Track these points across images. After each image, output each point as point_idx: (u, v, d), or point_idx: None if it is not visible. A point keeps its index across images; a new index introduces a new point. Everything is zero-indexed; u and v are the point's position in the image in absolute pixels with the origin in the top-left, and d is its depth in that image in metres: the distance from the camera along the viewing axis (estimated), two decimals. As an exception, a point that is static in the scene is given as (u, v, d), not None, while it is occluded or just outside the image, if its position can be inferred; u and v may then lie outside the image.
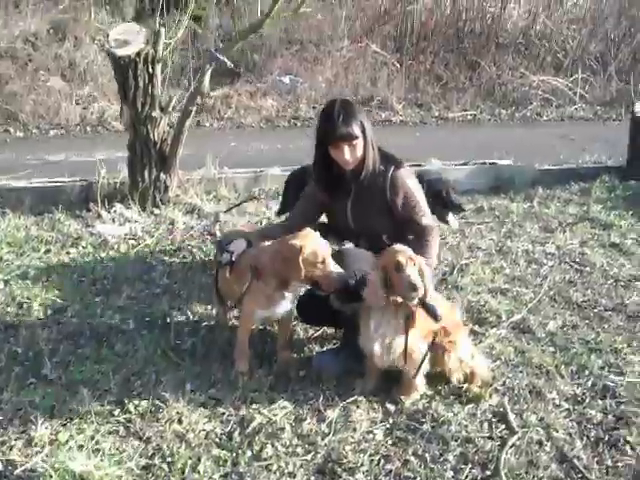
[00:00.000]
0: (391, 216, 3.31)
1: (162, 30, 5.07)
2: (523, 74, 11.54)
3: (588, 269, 4.54)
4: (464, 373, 3.15)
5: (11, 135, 9.45)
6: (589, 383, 3.26)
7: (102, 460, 2.65)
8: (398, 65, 11.33)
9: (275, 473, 2.67)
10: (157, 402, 3.05)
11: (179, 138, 5.19)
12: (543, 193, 6.15)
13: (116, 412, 3.00)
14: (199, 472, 2.66)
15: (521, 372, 3.35)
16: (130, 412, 3.01)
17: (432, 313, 2.85)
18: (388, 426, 2.97)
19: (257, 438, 2.86)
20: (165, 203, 5.41)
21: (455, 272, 4.49)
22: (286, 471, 2.68)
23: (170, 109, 5.17)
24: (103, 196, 5.43)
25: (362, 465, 2.70)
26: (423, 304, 2.86)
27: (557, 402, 3.12)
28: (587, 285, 4.31)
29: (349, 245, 3.39)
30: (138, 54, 4.99)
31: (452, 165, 6.48)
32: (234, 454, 2.76)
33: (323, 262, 2.99)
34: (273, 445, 2.83)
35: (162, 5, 5.82)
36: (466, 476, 2.64)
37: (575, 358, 3.46)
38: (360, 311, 3.04)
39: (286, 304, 3.24)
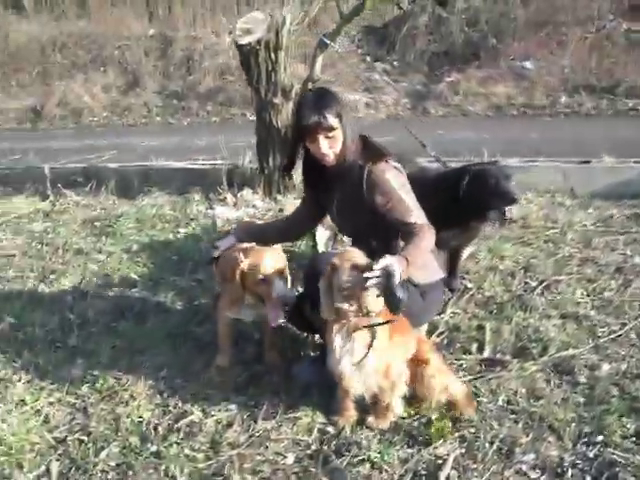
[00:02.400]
0: (376, 217, 2.90)
1: (287, 18, 5.09)
2: None
3: None
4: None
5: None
6: (591, 454, 2.54)
7: (26, 423, 2.91)
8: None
9: (157, 473, 2.64)
10: (122, 382, 3.22)
11: None
12: None
13: (83, 386, 3.23)
14: (100, 456, 2.74)
15: (510, 424, 2.75)
16: (95, 388, 3.20)
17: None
18: (309, 452, 2.68)
19: (175, 436, 2.81)
20: (290, 190, 5.47)
21: (539, 289, 3.78)
22: (169, 474, 2.58)
23: (293, 95, 5.18)
24: (238, 180, 5.67)
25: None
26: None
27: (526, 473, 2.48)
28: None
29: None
30: (259, 42, 5.08)
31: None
32: (144, 445, 2.79)
33: (265, 280, 2.82)
34: (180, 445, 2.75)
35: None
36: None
37: (600, 419, 2.72)
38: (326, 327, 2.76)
39: (250, 312, 3.13)
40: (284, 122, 5.35)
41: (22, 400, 3.12)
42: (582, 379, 3.01)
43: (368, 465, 2.55)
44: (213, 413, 2.97)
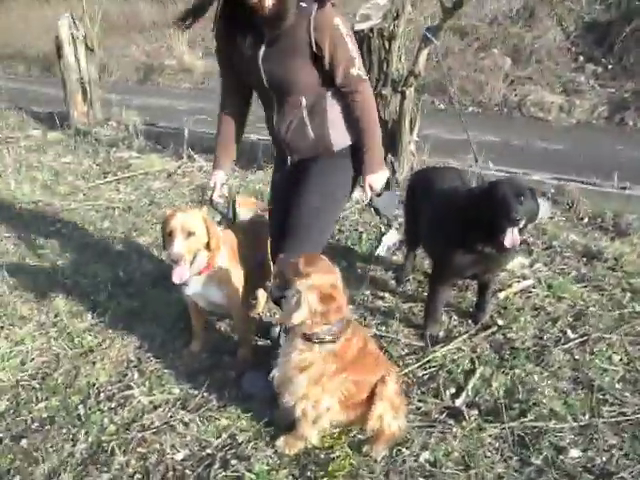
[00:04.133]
0: (311, 64, 2.65)
1: (407, 6, 4.92)
2: None
3: None
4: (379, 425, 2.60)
5: (434, 107, 10.07)
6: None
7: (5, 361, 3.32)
8: None
9: (67, 435, 2.84)
10: (105, 344, 3.49)
11: (400, 120, 5.02)
12: None
13: (77, 338, 3.54)
14: (38, 405, 3.04)
15: None
16: (81, 343, 3.50)
17: None
18: (203, 454, 2.72)
19: (107, 405, 3.00)
20: (391, 187, 5.31)
21: (573, 343, 3.35)
22: (75, 437, 2.78)
23: (403, 88, 5.01)
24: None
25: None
26: None
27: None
28: None
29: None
30: (372, 29, 4.98)
31: None
32: (77, 406, 3.02)
33: (170, 234, 2.84)
34: (103, 414, 2.95)
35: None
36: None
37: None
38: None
39: (192, 285, 3.07)
40: (392, 114, 5.16)
41: (22, 340, 3.45)
42: (537, 460, 2.57)
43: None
44: (154, 393, 3.04)
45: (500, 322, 3.57)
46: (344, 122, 2.82)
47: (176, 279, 2.84)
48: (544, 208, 4.80)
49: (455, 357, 3.28)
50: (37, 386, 3.15)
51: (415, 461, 2.59)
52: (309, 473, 2.53)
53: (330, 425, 2.63)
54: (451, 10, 4.34)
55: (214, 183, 3.02)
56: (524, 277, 4.01)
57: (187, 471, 2.58)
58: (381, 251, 4.43)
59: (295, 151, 2.88)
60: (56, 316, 3.73)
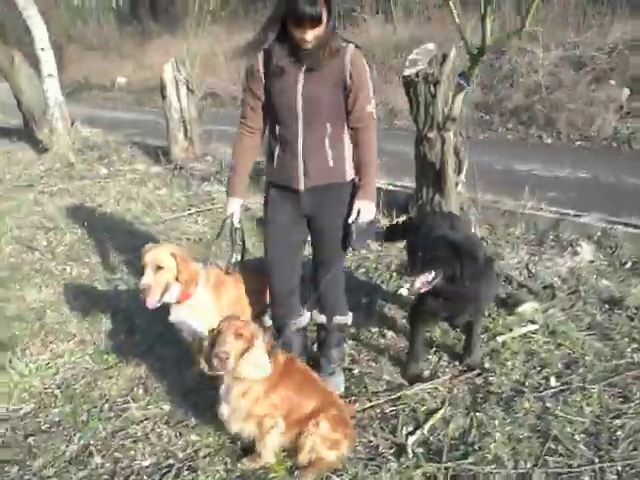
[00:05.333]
0: (341, 96, 3.09)
1: (452, 52, 5.16)
2: None
3: None
4: (311, 457, 2.90)
5: (540, 142, 10.01)
6: None
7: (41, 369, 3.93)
8: None
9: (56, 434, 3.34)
10: (130, 360, 3.99)
11: (444, 162, 5.24)
12: None
13: (112, 352, 4.10)
14: (48, 415, 3.58)
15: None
16: (112, 357, 4.06)
17: None
18: (165, 463, 3.11)
19: (102, 413, 3.50)
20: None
21: (554, 390, 3.42)
22: (64, 436, 3.31)
23: (441, 132, 5.23)
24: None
25: None
26: None
27: None
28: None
29: None
30: (417, 74, 5.27)
31: None
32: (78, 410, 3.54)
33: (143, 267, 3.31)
34: (91, 416, 3.43)
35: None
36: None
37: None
38: None
39: (173, 313, 3.52)
40: (437, 156, 5.36)
41: (62, 354, 4.10)
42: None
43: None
44: (149, 407, 3.52)
45: (486, 365, 3.64)
46: (351, 156, 3.21)
47: (147, 305, 3.30)
48: (585, 251, 4.77)
49: (426, 396, 3.42)
50: (58, 394, 3.68)
51: (332, 490, 2.79)
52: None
53: (280, 446, 2.94)
54: (477, 57, 4.49)
55: (232, 210, 3.39)
56: (532, 322, 4.04)
57: (145, 476, 2.97)
58: (404, 291, 4.61)
59: (311, 177, 3.16)
60: (97, 335, 4.27)
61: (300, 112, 3.05)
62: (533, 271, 4.68)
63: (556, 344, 3.80)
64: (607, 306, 4.19)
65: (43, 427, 3.42)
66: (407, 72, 5.35)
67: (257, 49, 3.10)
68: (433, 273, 3.14)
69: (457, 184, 5.46)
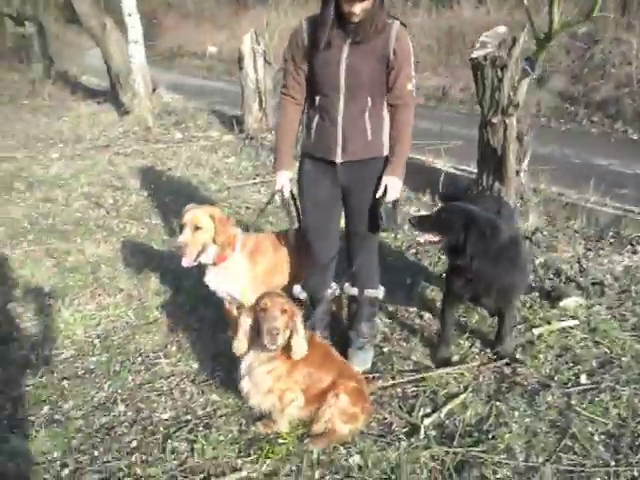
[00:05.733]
0: (383, 71, 3.11)
1: (521, 36, 5.05)
2: None
3: None
4: (326, 428, 2.96)
5: (626, 136, 9.73)
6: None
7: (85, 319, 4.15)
8: None
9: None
10: (170, 318, 4.17)
11: (505, 149, 5.15)
12: None
13: (155, 309, 4.30)
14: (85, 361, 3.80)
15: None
16: (153, 314, 4.24)
17: None
18: (182, 426, 3.25)
19: (133, 368, 3.68)
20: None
21: (581, 388, 3.34)
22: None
23: (504, 118, 5.13)
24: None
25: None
26: None
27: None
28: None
29: None
30: (485, 57, 5.18)
31: None
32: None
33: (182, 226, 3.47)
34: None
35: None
36: None
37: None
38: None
39: (209, 275, 3.61)
40: (499, 142, 5.25)
41: (107, 306, 4.29)
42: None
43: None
44: (178, 364, 3.67)
45: (518, 356, 3.59)
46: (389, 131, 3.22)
47: (183, 263, 3.39)
48: None
49: (450, 380, 3.40)
50: (97, 344, 3.88)
51: (345, 460, 2.84)
52: (250, 450, 2.91)
53: (297, 419, 3.02)
54: (543, 42, 4.36)
55: (282, 183, 3.39)
56: (574, 317, 3.93)
57: (161, 427, 3.10)
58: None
59: (350, 150, 3.19)
60: (144, 292, 4.44)
61: (343, 84, 3.07)
62: (585, 266, 4.52)
63: (594, 342, 3.69)
64: (658, 308, 4.00)
65: (79, 373, 3.61)
66: (475, 54, 5.22)
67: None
68: (437, 237, 3.19)
69: (518, 172, 5.32)
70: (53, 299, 4.34)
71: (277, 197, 3.42)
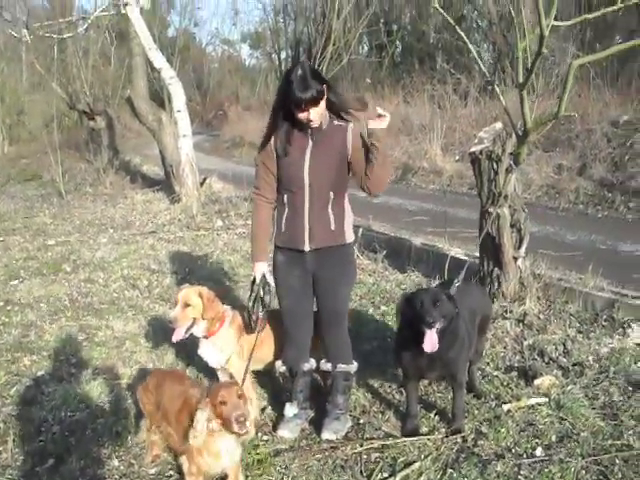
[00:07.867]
0: (344, 166, 3.66)
1: (512, 132, 5.57)
2: None
3: None
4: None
5: None
6: None
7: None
8: None
9: None
10: None
11: (501, 237, 5.58)
12: None
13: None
14: None
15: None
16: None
17: None
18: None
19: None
20: (497, 298, 5.82)
21: (533, 462, 3.63)
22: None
23: (495, 209, 5.58)
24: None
25: None
26: None
27: None
28: None
29: None
30: (481, 151, 5.71)
31: None
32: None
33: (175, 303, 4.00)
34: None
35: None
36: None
37: None
38: None
39: (201, 346, 4.17)
40: (496, 230, 5.68)
41: (121, 377, 4.82)
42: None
43: None
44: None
45: (483, 430, 3.90)
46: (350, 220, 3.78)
47: (173, 338, 3.90)
48: (635, 333, 4.89)
49: (412, 449, 3.74)
50: (107, 409, 4.39)
51: None
52: None
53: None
54: (523, 138, 4.83)
55: (261, 273, 3.87)
56: (546, 394, 4.22)
57: (145, 483, 3.56)
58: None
59: (316, 240, 3.69)
60: (159, 364, 4.99)
61: (307, 182, 3.61)
62: (569, 348, 4.80)
63: (559, 418, 3.92)
64: (631, 389, 4.24)
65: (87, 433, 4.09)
66: (473, 149, 5.74)
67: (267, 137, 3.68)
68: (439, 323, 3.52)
69: (516, 259, 5.69)
70: (76, 368, 4.90)
71: (256, 284, 3.89)
